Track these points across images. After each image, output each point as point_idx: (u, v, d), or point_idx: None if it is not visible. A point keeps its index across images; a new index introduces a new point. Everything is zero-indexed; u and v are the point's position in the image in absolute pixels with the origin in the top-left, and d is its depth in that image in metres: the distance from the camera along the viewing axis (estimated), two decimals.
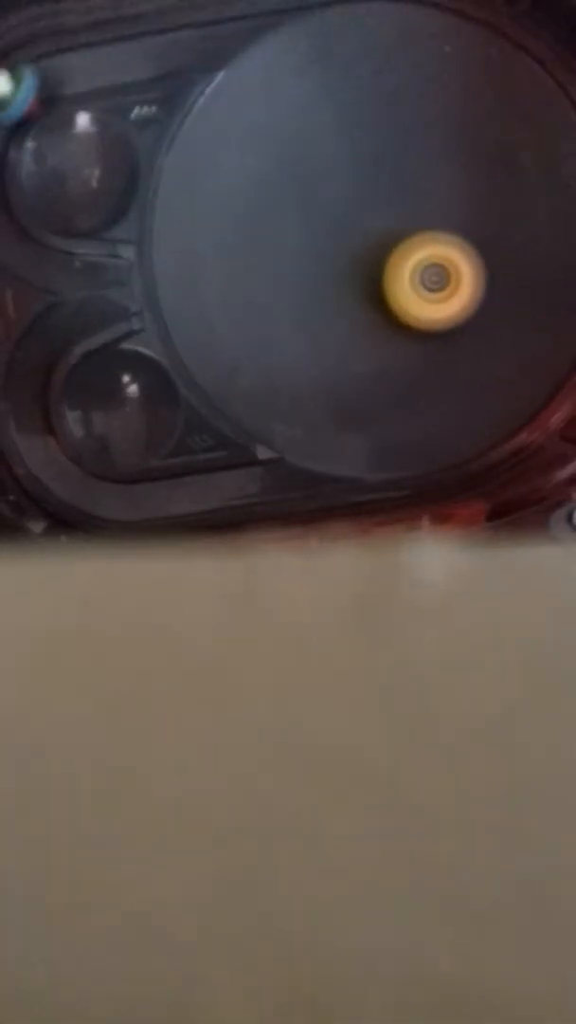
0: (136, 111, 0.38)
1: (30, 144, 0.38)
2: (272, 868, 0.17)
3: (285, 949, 0.16)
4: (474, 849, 0.17)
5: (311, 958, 0.16)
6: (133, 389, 0.39)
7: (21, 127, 0.37)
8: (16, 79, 0.36)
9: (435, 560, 0.21)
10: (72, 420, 0.39)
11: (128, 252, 0.38)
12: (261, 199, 0.38)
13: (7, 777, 0.18)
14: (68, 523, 0.39)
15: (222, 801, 0.18)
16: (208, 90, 0.38)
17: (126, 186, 0.38)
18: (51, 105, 0.38)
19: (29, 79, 0.36)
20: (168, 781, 0.18)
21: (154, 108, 0.38)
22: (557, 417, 0.38)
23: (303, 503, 0.38)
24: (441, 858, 0.17)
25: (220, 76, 0.38)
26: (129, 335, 0.38)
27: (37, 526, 0.38)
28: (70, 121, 0.38)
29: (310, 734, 0.19)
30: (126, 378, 0.39)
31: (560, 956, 0.16)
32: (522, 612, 0.21)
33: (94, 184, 0.38)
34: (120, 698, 0.19)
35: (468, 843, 0.17)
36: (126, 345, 0.38)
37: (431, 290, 0.37)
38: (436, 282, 0.37)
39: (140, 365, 0.39)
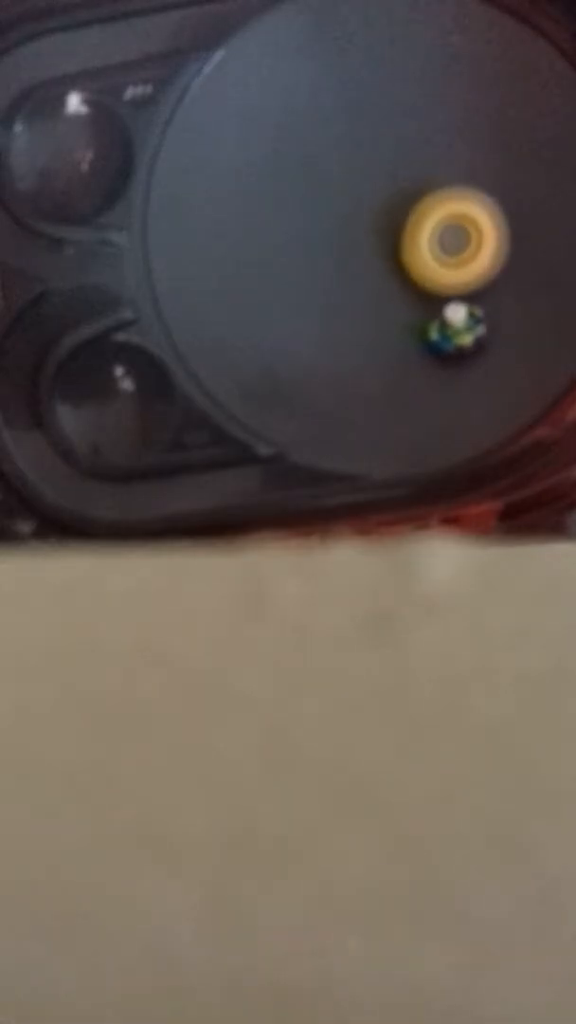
0: (130, 91, 0.37)
1: (19, 126, 0.37)
2: (268, 882, 0.17)
3: (281, 964, 0.16)
4: (476, 863, 0.17)
5: (306, 973, 0.16)
6: (127, 382, 0.38)
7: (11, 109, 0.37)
8: (473, 318, 0.37)
9: (443, 560, 0.21)
10: (62, 415, 0.38)
11: (122, 238, 0.37)
12: (262, 182, 0.37)
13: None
14: (58, 523, 0.38)
15: (219, 810, 0.18)
16: (206, 69, 0.37)
17: (120, 169, 0.37)
18: (41, 86, 0.37)
19: (480, 329, 0.37)
20: (164, 790, 0.18)
21: (149, 88, 0.37)
22: (575, 411, 0.37)
23: (305, 502, 0.38)
24: (442, 873, 0.17)
25: (219, 55, 0.37)
26: (123, 325, 0.37)
27: (26, 527, 0.38)
28: (61, 102, 0.37)
29: (312, 743, 0.18)
30: (119, 370, 0.38)
31: (560, 972, 0.16)
32: (536, 614, 0.21)
33: (86, 167, 0.37)
34: (116, 706, 0.19)
35: (470, 857, 0.17)
36: (119, 335, 0.37)
37: (450, 253, 0.37)
38: (455, 245, 0.37)
39: (134, 357, 0.38)
